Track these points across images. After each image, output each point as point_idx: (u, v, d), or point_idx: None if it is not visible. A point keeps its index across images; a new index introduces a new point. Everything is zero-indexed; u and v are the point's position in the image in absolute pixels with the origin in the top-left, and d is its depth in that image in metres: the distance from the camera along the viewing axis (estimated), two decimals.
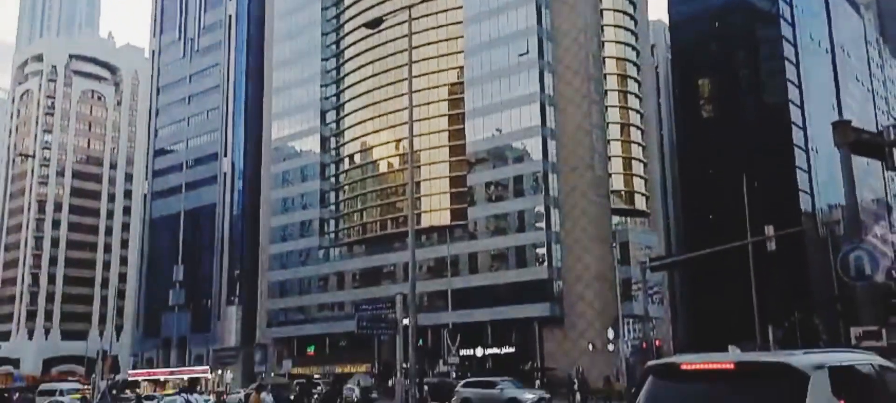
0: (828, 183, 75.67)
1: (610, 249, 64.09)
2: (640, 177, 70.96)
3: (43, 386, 50.05)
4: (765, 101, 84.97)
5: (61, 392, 40.32)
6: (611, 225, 66.64)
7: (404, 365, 28.18)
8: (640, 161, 71.03)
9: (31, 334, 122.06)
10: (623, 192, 69.63)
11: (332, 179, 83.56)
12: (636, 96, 72.22)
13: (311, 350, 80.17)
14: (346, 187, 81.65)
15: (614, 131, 69.95)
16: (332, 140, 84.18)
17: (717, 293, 69.71)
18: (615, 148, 69.72)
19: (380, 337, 56.06)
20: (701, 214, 78.04)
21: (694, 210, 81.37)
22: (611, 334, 57.94)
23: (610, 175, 68.51)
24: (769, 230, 33.11)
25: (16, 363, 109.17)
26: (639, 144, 71.27)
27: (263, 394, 22.17)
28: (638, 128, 71.63)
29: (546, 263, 65.56)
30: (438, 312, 62.81)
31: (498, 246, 68.80)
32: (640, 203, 70.39)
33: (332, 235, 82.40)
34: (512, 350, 65.56)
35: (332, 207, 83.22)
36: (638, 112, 72.00)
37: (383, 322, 29.79)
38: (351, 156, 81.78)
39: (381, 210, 77.50)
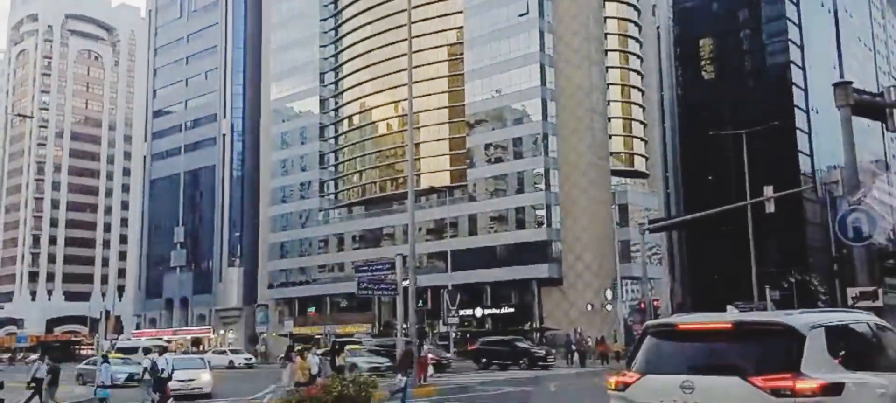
0: (827, 144, 75.56)
1: (609, 211, 64.26)
2: (640, 138, 70.83)
3: (121, 343, 47.54)
4: (766, 62, 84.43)
5: (146, 351, 36.61)
6: (610, 187, 66.74)
7: (404, 325, 28.44)
8: (641, 122, 70.83)
9: (33, 295, 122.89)
10: (623, 154, 69.58)
11: (332, 140, 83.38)
12: (637, 56, 71.75)
13: (312, 311, 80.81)
14: (346, 149, 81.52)
15: (615, 92, 69.65)
16: (331, 101, 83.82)
17: (716, 254, 70.02)
18: (615, 109, 69.48)
19: (380, 298, 56.62)
20: (701, 175, 78.04)
21: (694, 171, 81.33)
22: (609, 294, 58.44)
23: (610, 136, 68.41)
24: (768, 191, 33.20)
25: (20, 323, 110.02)
26: (639, 105, 71.00)
27: (309, 356, 21.94)
28: (638, 89, 71.29)
29: (545, 224, 65.78)
30: (438, 273, 63.22)
31: (497, 208, 68.92)
32: (639, 164, 70.38)
33: (332, 196, 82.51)
34: (511, 310, 66.10)
35: (332, 169, 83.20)
36: (638, 73, 71.59)
37: (383, 282, 29.96)
38: (350, 118, 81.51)
39: (380, 171, 77.52)
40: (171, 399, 21.94)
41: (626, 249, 62.59)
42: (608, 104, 68.76)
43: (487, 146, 70.43)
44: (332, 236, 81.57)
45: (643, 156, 70.72)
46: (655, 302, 49.75)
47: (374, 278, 30.55)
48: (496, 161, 69.86)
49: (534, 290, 65.02)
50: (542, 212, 66.38)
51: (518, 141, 68.71)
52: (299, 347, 26.45)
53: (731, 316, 6.44)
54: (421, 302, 51.62)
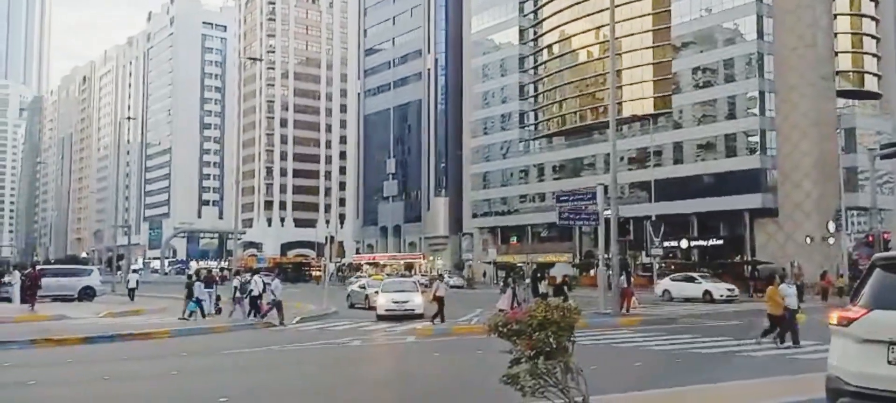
0: None
1: (833, 135, 59.01)
2: (872, 54, 63.52)
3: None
4: None
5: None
6: (835, 110, 61.02)
7: (606, 256, 28.71)
8: (873, 37, 63.41)
9: (269, 221, 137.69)
10: (851, 73, 62.95)
11: (531, 71, 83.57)
12: None
13: (513, 240, 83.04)
14: (546, 79, 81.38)
15: (842, 4, 62.74)
16: (531, 31, 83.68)
17: None
18: (843, 23, 62.68)
19: (581, 228, 57.00)
20: None
21: None
22: (831, 226, 54.12)
23: (835, 54, 62.09)
24: None
25: (259, 246, 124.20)
26: (871, 18, 63.46)
27: (783, 285, 17.00)
28: None
29: (759, 151, 61.94)
30: (641, 203, 62.18)
31: (705, 135, 65.84)
32: (870, 84, 63.32)
33: (532, 127, 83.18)
34: (719, 242, 63.57)
35: (532, 99, 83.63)
36: None
37: (584, 212, 30.34)
38: (549, 47, 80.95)
39: (580, 100, 76.69)
40: (265, 315, 25.09)
41: (853, 177, 57.29)
42: (834, 18, 62.21)
43: (695, 69, 67.03)
44: (533, 166, 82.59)
45: (875, 74, 63.49)
46: (885, 235, 45.45)
47: (575, 208, 31.03)
48: (704, 85, 66.40)
49: (745, 221, 61.89)
50: (756, 139, 62.45)
51: (729, 62, 64.68)
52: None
53: None
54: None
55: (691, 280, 39.89)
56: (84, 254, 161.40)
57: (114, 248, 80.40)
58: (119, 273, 50.22)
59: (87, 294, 36.28)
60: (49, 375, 13.46)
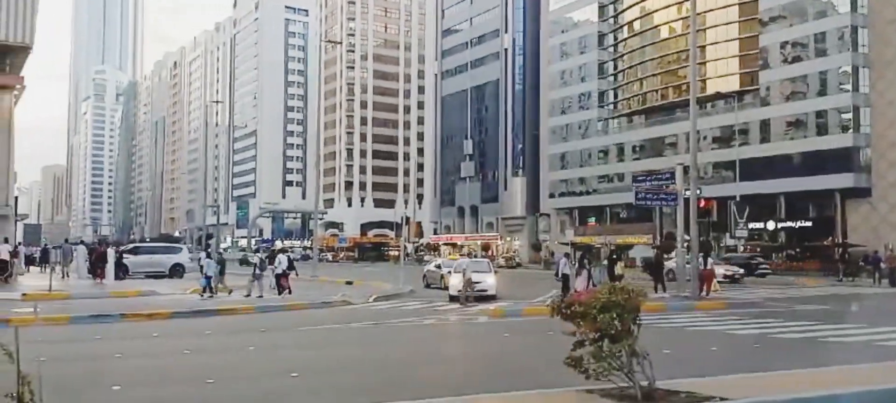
0: None
1: None
2: None
3: None
4: None
5: None
6: None
7: (686, 237, 27.97)
8: None
9: (349, 202, 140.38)
10: None
11: (611, 49, 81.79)
12: None
13: (592, 221, 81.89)
14: (626, 56, 79.50)
15: None
16: (611, 7, 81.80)
17: None
18: None
19: (661, 209, 55.68)
20: None
21: None
22: None
23: None
24: None
25: (340, 226, 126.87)
26: None
27: None
28: None
29: (852, 129, 58.93)
30: (725, 183, 60.27)
31: (794, 112, 63.08)
32: None
33: (611, 106, 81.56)
34: (808, 224, 60.98)
35: (611, 78, 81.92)
36: None
37: (662, 193, 29.63)
38: (630, 23, 78.99)
39: (661, 78, 74.63)
40: (287, 290, 26.47)
41: None
42: None
43: (783, 44, 64.16)
44: (612, 146, 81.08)
45: None
46: None
47: (653, 188, 30.34)
48: (794, 60, 63.50)
49: (836, 202, 59.13)
50: (849, 116, 59.40)
51: (820, 36, 61.60)
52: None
53: None
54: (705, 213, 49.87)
55: None
56: (177, 233, 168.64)
57: (204, 227, 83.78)
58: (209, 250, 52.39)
59: (178, 271, 37.94)
60: (134, 348, 14.16)
